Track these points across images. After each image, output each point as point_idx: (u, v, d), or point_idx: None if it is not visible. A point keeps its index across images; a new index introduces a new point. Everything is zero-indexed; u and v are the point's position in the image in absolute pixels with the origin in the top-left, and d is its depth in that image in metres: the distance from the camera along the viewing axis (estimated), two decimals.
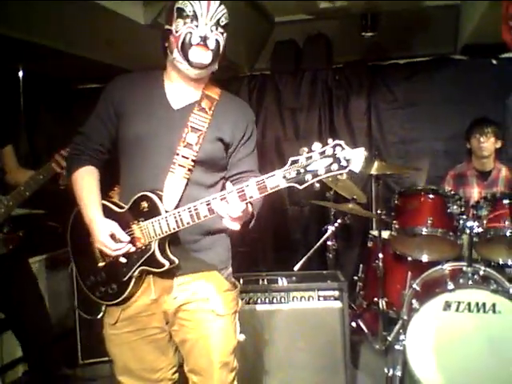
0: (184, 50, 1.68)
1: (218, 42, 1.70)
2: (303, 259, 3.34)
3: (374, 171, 3.19)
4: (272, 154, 4.44)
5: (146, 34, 2.97)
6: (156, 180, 1.71)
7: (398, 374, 2.79)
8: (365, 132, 4.28)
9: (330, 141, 1.43)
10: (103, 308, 1.85)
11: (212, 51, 1.69)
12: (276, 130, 4.48)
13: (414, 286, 2.93)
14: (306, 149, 1.46)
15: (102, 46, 3.27)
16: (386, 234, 3.32)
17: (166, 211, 1.66)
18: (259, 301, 2.88)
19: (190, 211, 1.61)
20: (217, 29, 1.69)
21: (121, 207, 1.76)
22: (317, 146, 1.44)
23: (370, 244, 3.59)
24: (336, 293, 2.85)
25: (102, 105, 1.81)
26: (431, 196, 3.05)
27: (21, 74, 3.83)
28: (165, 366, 1.87)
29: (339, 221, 3.50)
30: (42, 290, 2.95)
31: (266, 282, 2.98)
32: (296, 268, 3.30)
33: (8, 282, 2.49)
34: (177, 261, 1.70)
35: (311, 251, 3.41)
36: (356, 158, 1.40)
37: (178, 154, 1.71)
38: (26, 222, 2.88)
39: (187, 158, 1.72)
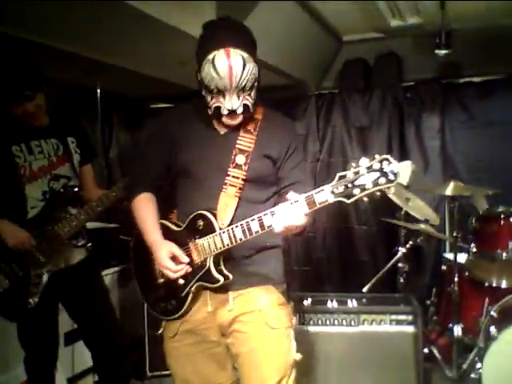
0: (216, 116, 1.77)
1: (246, 105, 1.74)
2: (373, 280, 3.26)
3: (449, 192, 3.08)
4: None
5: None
6: (210, 200, 1.78)
7: None
8: (438, 151, 4.14)
9: (376, 156, 1.46)
10: (163, 324, 1.90)
11: (242, 114, 1.75)
12: (344, 149, 4.43)
13: (492, 312, 2.79)
14: (353, 164, 1.48)
15: (175, 66, 3.37)
16: (461, 258, 3.19)
17: (220, 228, 1.72)
18: (328, 322, 2.84)
19: (242, 227, 1.66)
20: (244, 92, 1.72)
21: (178, 226, 1.85)
22: (364, 161, 1.47)
23: (443, 267, 3.47)
24: (410, 317, 2.76)
25: (155, 135, 1.94)
26: None
27: (98, 92, 4.01)
28: (224, 382, 1.88)
29: (411, 242, 3.39)
30: (114, 302, 3.03)
31: (334, 304, 2.92)
32: (365, 290, 3.22)
33: (81, 292, 2.56)
34: (231, 276, 1.74)
35: (381, 273, 3.32)
36: (403, 171, 1.42)
37: (228, 175, 1.79)
38: (100, 235, 2.99)
39: (238, 178, 1.79)
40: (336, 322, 2.83)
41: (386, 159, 1.44)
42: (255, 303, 1.80)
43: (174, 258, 1.76)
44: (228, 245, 1.70)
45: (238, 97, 1.71)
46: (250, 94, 1.74)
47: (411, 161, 1.44)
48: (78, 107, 3.92)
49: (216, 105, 1.72)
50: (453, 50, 3.69)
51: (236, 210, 1.77)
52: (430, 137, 4.17)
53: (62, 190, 2.48)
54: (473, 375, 2.67)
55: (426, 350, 3.18)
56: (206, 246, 1.74)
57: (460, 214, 3.14)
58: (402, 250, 3.40)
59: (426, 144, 4.18)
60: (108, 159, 4.53)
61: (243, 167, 1.79)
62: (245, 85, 1.69)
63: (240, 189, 1.79)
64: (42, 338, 2.49)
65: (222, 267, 1.75)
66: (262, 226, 1.63)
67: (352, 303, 2.91)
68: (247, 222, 1.65)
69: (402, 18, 3.63)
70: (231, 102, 1.71)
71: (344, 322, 2.82)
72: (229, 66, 1.65)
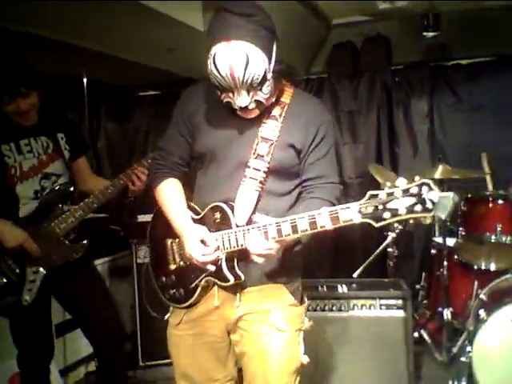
0: (231, 108, 1.65)
1: (258, 101, 1.60)
2: (363, 266, 3.26)
3: (437, 176, 3.09)
4: None
5: (205, 41, 3.00)
6: (229, 192, 1.70)
7: None
8: (427, 134, 4.13)
9: (416, 178, 1.33)
10: (170, 309, 1.87)
11: (257, 108, 1.63)
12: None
13: (481, 295, 2.80)
14: (388, 183, 1.36)
15: (161, 53, 3.33)
16: (450, 242, 3.20)
17: (237, 225, 1.64)
18: (318, 308, 2.84)
19: (259, 230, 1.58)
20: (254, 89, 1.57)
21: (197, 213, 1.77)
22: (401, 182, 1.35)
23: (433, 251, 3.46)
24: (399, 302, 2.76)
25: (176, 118, 1.82)
26: (500, 201, 2.94)
27: (85, 82, 3.96)
28: (221, 378, 1.84)
29: (400, 227, 3.39)
30: None
31: (324, 289, 2.93)
32: (355, 275, 3.23)
33: (77, 285, 2.55)
34: (243, 277, 1.67)
35: (371, 258, 3.33)
36: (444, 201, 1.29)
37: (249, 167, 1.68)
38: (90, 225, 2.97)
39: (259, 170, 1.68)
40: (326, 308, 2.83)
41: (427, 184, 1.31)
42: (263, 303, 1.73)
43: (203, 243, 1.67)
44: (242, 245, 1.62)
45: (248, 93, 1.57)
46: (261, 90, 1.57)
47: (453, 192, 1.31)
48: (65, 97, 3.88)
49: (226, 100, 1.61)
50: (441, 32, 3.69)
51: (256, 205, 1.68)
52: (419, 121, 4.16)
53: (57, 187, 2.46)
54: (463, 359, 2.66)
55: (416, 334, 3.19)
56: (220, 242, 1.66)
57: None
58: (391, 235, 3.41)
59: (415, 128, 4.17)
60: (96, 149, 4.50)
61: (265, 158, 1.67)
62: (251, 82, 1.54)
63: (261, 182, 1.68)
64: (36, 334, 2.48)
65: (236, 266, 1.67)
66: (279, 232, 1.54)
67: (342, 288, 2.91)
68: (264, 225, 1.56)
69: (390, 0, 3.59)
70: (240, 100, 1.58)
71: (334, 308, 2.82)
72: (229, 65, 1.51)
